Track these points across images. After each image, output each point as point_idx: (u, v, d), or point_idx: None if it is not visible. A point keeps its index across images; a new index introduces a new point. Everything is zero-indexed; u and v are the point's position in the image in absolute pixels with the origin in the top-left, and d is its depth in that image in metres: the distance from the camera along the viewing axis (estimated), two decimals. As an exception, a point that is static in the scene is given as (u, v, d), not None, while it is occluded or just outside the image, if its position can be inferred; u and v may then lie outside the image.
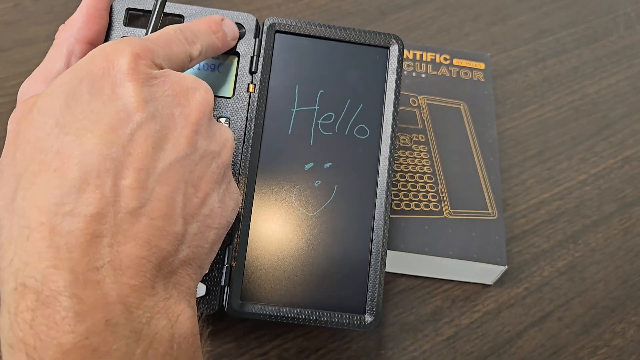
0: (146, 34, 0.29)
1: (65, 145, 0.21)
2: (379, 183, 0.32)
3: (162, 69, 0.25)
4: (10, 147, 0.23)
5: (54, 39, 0.31)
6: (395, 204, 0.39)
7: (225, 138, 0.26)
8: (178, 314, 0.22)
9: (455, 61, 0.46)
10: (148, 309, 0.20)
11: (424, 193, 0.40)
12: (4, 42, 0.45)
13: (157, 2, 0.29)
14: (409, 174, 0.40)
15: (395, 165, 0.40)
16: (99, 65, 0.23)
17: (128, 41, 0.24)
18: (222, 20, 0.31)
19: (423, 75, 0.45)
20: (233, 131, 0.30)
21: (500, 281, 0.39)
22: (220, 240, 0.26)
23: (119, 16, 0.32)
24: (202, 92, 0.25)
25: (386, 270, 0.39)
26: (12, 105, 0.40)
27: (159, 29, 0.32)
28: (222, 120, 0.32)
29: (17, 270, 0.19)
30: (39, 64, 0.32)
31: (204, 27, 0.29)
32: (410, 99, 0.44)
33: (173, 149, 0.23)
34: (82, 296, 0.19)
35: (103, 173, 0.20)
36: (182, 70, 0.27)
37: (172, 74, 0.24)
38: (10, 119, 0.24)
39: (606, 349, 0.38)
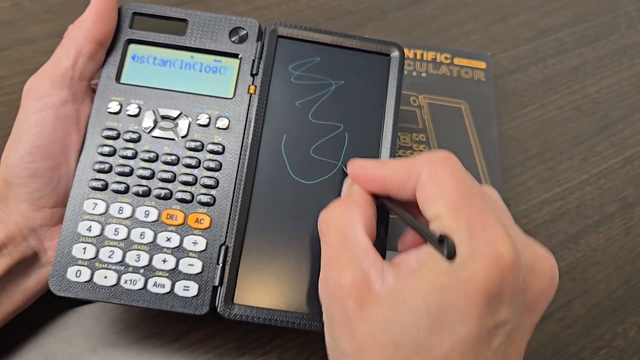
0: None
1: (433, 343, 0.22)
2: None
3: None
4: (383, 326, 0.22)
5: (54, 37, 0.31)
6: (396, 203, 0.38)
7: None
8: None
9: (456, 60, 0.46)
10: None
11: (424, 193, 0.39)
12: (2, 41, 0.45)
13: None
14: (409, 173, 0.40)
15: (395, 165, 0.40)
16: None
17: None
18: None
19: (423, 75, 0.45)
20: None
21: (501, 281, 0.39)
22: None
23: (125, 19, 0.33)
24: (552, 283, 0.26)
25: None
26: (11, 104, 0.39)
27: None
28: (223, 120, 0.32)
29: None
30: (38, 63, 0.32)
31: None
32: (411, 99, 0.44)
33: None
34: None
35: None
36: None
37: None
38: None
39: (607, 349, 0.38)
